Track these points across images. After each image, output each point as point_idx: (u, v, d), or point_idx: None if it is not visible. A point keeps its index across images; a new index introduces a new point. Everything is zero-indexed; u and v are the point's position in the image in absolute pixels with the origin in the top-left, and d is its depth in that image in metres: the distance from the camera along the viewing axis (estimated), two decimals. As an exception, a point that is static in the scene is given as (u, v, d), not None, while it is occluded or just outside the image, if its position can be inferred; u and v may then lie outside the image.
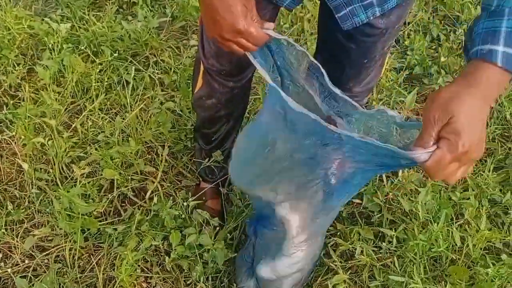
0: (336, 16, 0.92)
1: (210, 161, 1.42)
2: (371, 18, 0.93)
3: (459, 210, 1.43)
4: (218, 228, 1.38)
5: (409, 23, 2.01)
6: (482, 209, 1.38)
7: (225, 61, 1.13)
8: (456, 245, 1.32)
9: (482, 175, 1.49)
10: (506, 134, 1.73)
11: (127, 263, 1.23)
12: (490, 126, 1.68)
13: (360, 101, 1.17)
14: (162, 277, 1.34)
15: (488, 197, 1.46)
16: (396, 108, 1.72)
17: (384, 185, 1.43)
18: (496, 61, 0.63)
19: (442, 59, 1.80)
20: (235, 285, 1.31)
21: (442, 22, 2.04)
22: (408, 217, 1.42)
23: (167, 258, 1.27)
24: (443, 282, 1.31)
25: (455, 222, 1.36)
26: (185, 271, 1.34)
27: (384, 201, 1.42)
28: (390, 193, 1.42)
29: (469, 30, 0.71)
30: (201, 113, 1.37)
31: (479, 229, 1.32)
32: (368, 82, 1.16)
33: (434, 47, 1.94)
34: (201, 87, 1.26)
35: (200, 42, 1.16)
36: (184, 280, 1.34)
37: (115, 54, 1.80)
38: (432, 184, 1.42)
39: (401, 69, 1.84)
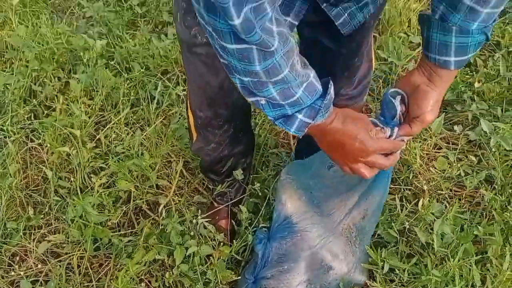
0: (336, 23, 0.91)
1: (229, 180, 1.42)
2: (367, 17, 0.94)
3: (482, 247, 1.32)
4: (222, 244, 1.36)
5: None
6: (507, 247, 1.27)
7: (220, 107, 1.12)
8: (475, 285, 1.21)
9: (509, 209, 1.38)
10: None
11: (127, 275, 1.23)
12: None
13: (360, 101, 1.22)
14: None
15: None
16: (423, 135, 1.64)
17: (399, 214, 1.35)
18: (450, 68, 0.84)
19: (476, 84, 1.70)
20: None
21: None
22: (425, 250, 1.33)
23: (167, 274, 1.27)
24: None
25: (476, 260, 1.26)
26: (186, 288, 1.32)
27: (400, 231, 1.34)
28: (407, 223, 1.34)
29: (422, 23, 0.86)
30: (204, 157, 1.36)
31: (502, 269, 1.21)
32: (361, 79, 1.19)
33: (470, 72, 1.84)
34: (197, 139, 1.27)
35: (188, 93, 1.16)
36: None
37: (145, 71, 1.86)
38: (454, 216, 1.33)
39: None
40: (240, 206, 1.43)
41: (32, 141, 1.73)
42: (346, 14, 0.93)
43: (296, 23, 0.91)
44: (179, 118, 1.74)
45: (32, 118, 1.80)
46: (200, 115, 1.15)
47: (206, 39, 0.90)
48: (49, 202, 1.57)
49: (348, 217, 1.15)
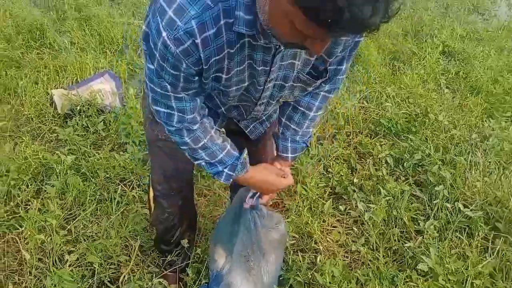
0: (246, 131, 1.52)
1: (177, 250, 1.87)
2: (266, 129, 1.56)
3: (363, 284, 1.84)
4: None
5: (336, 158, 2.65)
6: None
7: (173, 182, 1.64)
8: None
9: (379, 259, 1.94)
10: None
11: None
12: None
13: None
14: None
15: None
16: (319, 215, 2.24)
17: (302, 266, 1.86)
18: (288, 160, 1.47)
19: (355, 180, 2.39)
20: None
21: (358, 156, 2.69)
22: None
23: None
24: None
25: (357, 292, 1.77)
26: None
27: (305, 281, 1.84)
28: (309, 272, 1.84)
29: (275, 137, 1.53)
30: (159, 226, 1.81)
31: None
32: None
33: (351, 173, 2.54)
34: (155, 209, 1.76)
35: (151, 174, 1.68)
36: None
37: (107, 179, 2.36)
38: (342, 265, 1.86)
39: (325, 187, 2.41)
40: (187, 269, 1.86)
41: (11, 233, 2.09)
42: (251, 126, 1.54)
43: (222, 129, 1.51)
44: (136, 211, 2.21)
45: (10, 216, 2.18)
46: (159, 188, 1.66)
47: (164, 136, 1.48)
48: (25, 280, 1.90)
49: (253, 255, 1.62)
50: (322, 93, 1.40)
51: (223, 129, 1.54)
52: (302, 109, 1.43)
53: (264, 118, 1.54)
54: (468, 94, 3.46)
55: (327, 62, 1.23)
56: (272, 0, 0.88)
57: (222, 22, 0.99)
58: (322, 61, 1.22)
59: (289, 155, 1.50)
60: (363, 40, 3.88)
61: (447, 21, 4.81)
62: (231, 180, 1.37)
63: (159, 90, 1.14)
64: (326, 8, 0.76)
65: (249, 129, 1.53)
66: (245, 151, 1.38)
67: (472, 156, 2.52)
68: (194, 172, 2.45)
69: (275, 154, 1.56)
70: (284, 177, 1.47)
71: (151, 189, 1.73)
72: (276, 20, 0.91)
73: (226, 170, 1.34)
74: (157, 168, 1.62)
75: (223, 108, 1.39)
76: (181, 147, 1.32)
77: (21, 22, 3.85)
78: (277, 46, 1.08)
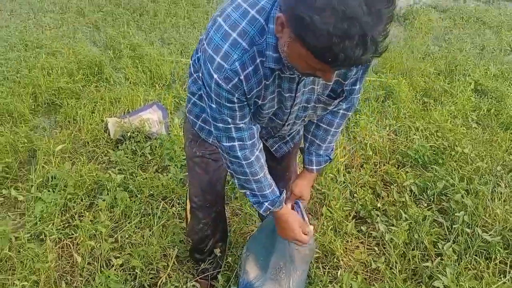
0: (271, 150, 1.75)
1: (209, 259, 2.08)
2: (290, 148, 1.76)
3: (380, 299, 1.96)
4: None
5: (362, 185, 2.80)
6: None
7: (208, 195, 1.87)
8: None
9: (396, 275, 2.06)
10: None
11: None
12: None
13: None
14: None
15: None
16: (343, 236, 2.38)
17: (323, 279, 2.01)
18: (313, 172, 1.67)
19: (379, 205, 2.53)
20: None
21: (384, 183, 2.83)
22: (343, 303, 1.95)
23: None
24: None
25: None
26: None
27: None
28: (330, 285, 1.99)
29: (301, 151, 1.72)
30: (194, 236, 2.03)
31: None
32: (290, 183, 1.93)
33: (375, 198, 2.68)
34: (191, 220, 1.98)
35: (188, 188, 1.92)
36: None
37: (150, 196, 2.62)
38: (361, 279, 1.99)
39: (350, 211, 2.56)
40: (218, 276, 2.06)
41: (66, 239, 2.37)
42: (277, 146, 1.77)
43: None
44: (175, 224, 2.45)
45: (66, 225, 2.47)
46: (195, 200, 1.89)
47: (201, 153, 1.73)
48: (76, 280, 2.15)
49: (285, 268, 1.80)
50: (341, 111, 1.61)
51: None
52: (324, 126, 1.64)
53: (288, 139, 1.76)
54: (498, 130, 3.54)
55: (343, 85, 1.46)
56: (289, 44, 1.12)
57: (258, 60, 1.25)
58: (339, 84, 1.45)
59: (314, 167, 1.70)
60: (395, 79, 4.06)
61: (482, 61, 4.92)
62: (268, 212, 1.60)
63: (221, 125, 1.40)
64: (326, 51, 1.00)
65: (274, 148, 1.76)
66: (284, 192, 1.63)
67: (495, 187, 2.61)
68: (227, 190, 2.68)
69: (301, 170, 1.76)
70: (305, 233, 1.66)
71: (188, 201, 1.96)
72: (293, 58, 1.16)
73: (266, 204, 1.58)
74: (194, 181, 1.86)
75: None
76: (238, 177, 1.55)
77: (82, 59, 4.33)
78: (300, 76, 1.32)
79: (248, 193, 1.58)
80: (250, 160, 1.48)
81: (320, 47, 1.01)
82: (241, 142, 1.44)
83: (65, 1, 6.43)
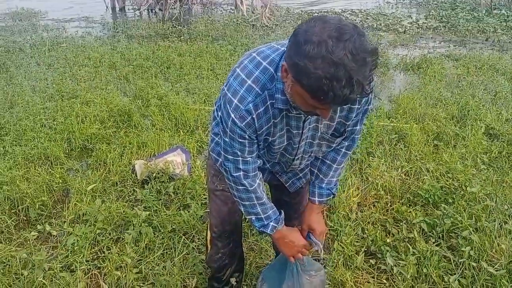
0: (286, 185, 1.94)
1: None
2: (302, 184, 1.95)
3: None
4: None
5: (373, 222, 2.93)
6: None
7: (227, 225, 2.06)
8: None
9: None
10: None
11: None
12: None
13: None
14: None
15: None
16: (353, 270, 2.50)
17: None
18: (315, 203, 1.84)
19: (388, 240, 2.64)
20: None
21: (394, 221, 2.95)
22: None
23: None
24: None
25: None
26: None
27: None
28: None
29: (312, 178, 1.86)
30: (213, 265, 2.20)
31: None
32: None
33: (386, 234, 2.80)
34: (211, 249, 2.16)
35: (209, 219, 2.11)
36: None
37: (172, 231, 2.81)
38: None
39: (361, 247, 2.68)
40: (234, 305, 2.20)
41: (94, 270, 2.56)
42: (290, 182, 1.97)
43: (264, 183, 1.93)
44: (194, 256, 2.61)
45: (95, 257, 2.67)
46: (215, 230, 2.07)
47: (221, 187, 1.94)
48: (103, 306, 2.32)
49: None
50: (343, 150, 1.81)
51: (267, 183, 1.97)
52: (328, 162, 1.84)
53: (301, 175, 1.96)
54: (509, 171, 3.63)
55: (345, 125, 1.66)
56: (291, 86, 1.35)
57: (268, 103, 1.49)
58: (342, 124, 1.66)
59: (316, 199, 1.87)
60: (408, 123, 4.23)
61: (494, 106, 5.06)
62: (275, 231, 1.78)
63: (231, 157, 1.63)
64: (319, 90, 1.22)
65: (288, 183, 1.95)
66: (282, 212, 1.82)
67: (502, 224, 2.70)
68: (244, 227, 2.85)
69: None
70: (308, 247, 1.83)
71: (209, 232, 2.14)
72: (295, 98, 1.38)
73: (272, 223, 1.78)
74: (214, 212, 2.05)
75: (268, 165, 1.86)
76: (244, 203, 1.75)
77: (114, 107, 4.68)
78: (305, 115, 1.54)
79: (253, 218, 1.77)
80: (254, 187, 1.69)
81: (313, 87, 1.22)
82: (245, 173, 1.66)
83: (99, 56, 6.96)
